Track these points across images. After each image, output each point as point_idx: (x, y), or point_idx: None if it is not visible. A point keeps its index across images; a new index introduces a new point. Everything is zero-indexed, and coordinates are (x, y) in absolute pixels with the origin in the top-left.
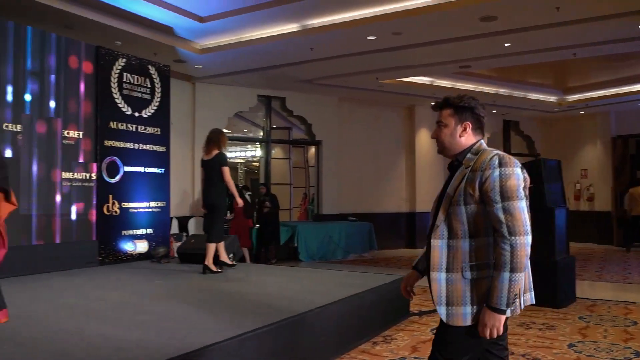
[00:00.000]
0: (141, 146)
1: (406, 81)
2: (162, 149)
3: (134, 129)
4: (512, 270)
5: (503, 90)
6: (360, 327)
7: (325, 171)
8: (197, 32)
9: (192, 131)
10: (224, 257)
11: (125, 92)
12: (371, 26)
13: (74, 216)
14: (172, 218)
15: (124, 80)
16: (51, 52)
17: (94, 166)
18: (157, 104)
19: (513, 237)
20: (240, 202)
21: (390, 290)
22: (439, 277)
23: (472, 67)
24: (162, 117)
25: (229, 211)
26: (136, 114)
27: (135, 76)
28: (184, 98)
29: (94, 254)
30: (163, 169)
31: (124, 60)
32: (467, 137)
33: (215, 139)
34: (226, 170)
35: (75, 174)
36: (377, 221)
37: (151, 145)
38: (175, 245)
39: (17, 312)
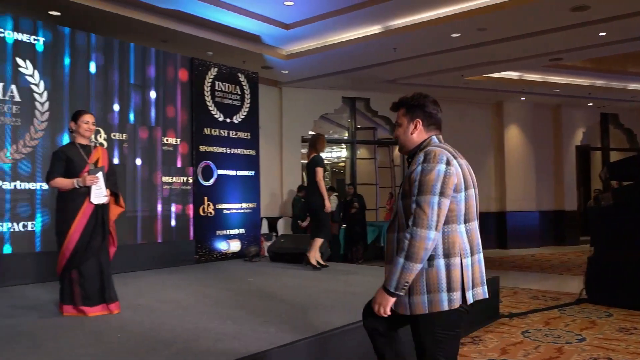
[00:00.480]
0: (233, 150)
1: (493, 77)
2: (252, 152)
3: (226, 134)
4: (407, 257)
5: (599, 82)
6: None
7: None
8: (283, 39)
9: (279, 134)
10: (317, 256)
11: (217, 99)
12: (455, 23)
13: (173, 217)
14: (262, 218)
15: (216, 88)
16: (151, 65)
17: (191, 170)
18: (246, 109)
19: (414, 228)
20: (328, 206)
21: None
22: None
23: (564, 59)
24: (251, 122)
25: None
26: (227, 120)
27: (226, 84)
28: (272, 103)
29: (191, 252)
30: (253, 172)
31: (216, 69)
32: (418, 134)
33: (312, 143)
34: (317, 171)
35: (174, 177)
36: None
37: (242, 149)
38: (266, 244)
39: (126, 305)
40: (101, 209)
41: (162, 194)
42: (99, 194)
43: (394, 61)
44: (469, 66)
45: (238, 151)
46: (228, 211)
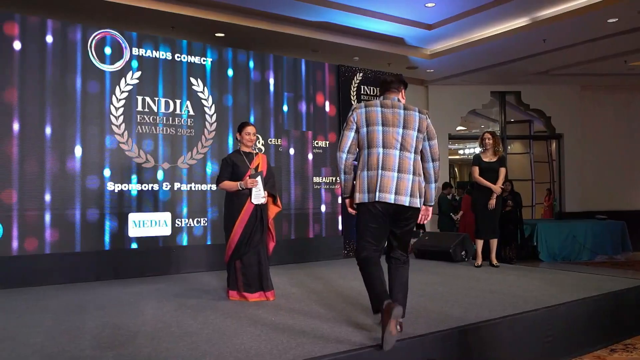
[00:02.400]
0: None
1: None
2: None
3: None
4: (338, 172)
5: None
6: (595, 331)
7: (568, 165)
8: (426, 39)
9: None
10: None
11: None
12: (610, 8)
13: (323, 215)
14: None
15: (362, 92)
16: (301, 75)
17: None
18: None
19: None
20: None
21: (635, 296)
22: None
23: None
24: None
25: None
26: None
27: (371, 87)
28: (418, 101)
29: (339, 248)
30: None
31: (361, 74)
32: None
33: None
34: (472, 169)
35: (324, 177)
36: (632, 220)
37: None
38: (412, 241)
39: (281, 293)
40: (260, 208)
41: (313, 193)
42: (258, 195)
43: (545, 52)
44: (632, 51)
45: None
46: None
